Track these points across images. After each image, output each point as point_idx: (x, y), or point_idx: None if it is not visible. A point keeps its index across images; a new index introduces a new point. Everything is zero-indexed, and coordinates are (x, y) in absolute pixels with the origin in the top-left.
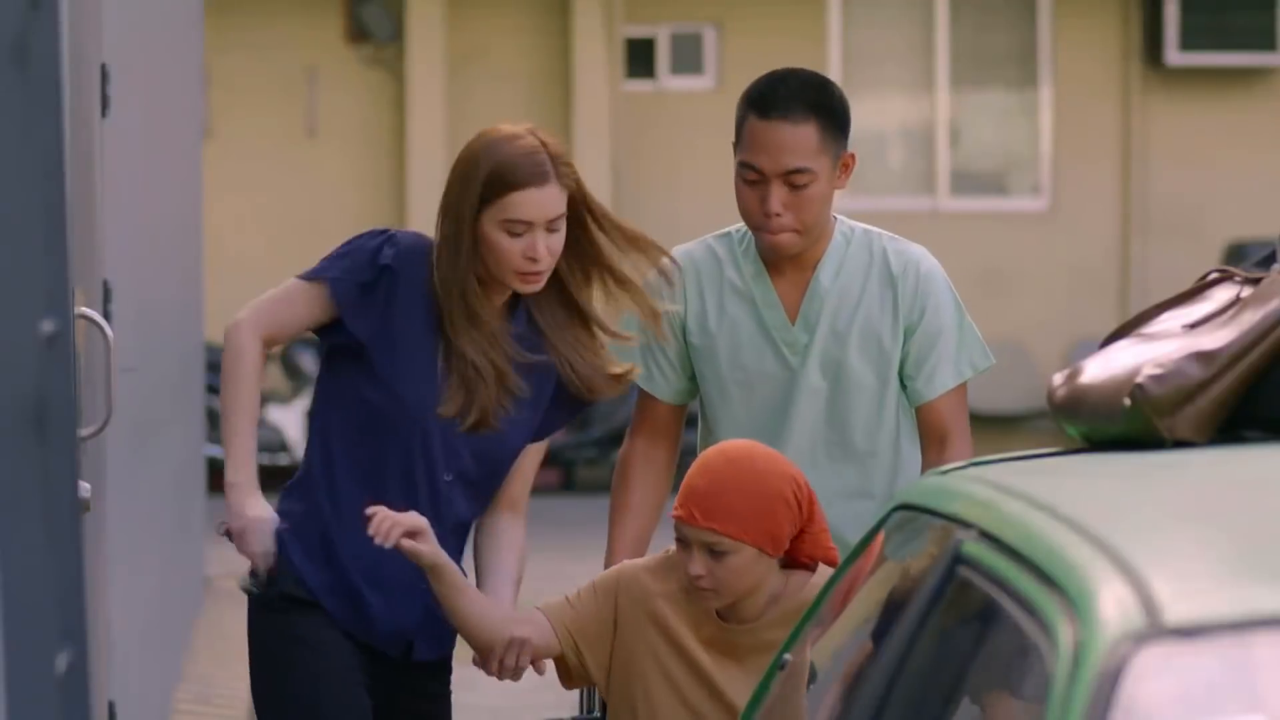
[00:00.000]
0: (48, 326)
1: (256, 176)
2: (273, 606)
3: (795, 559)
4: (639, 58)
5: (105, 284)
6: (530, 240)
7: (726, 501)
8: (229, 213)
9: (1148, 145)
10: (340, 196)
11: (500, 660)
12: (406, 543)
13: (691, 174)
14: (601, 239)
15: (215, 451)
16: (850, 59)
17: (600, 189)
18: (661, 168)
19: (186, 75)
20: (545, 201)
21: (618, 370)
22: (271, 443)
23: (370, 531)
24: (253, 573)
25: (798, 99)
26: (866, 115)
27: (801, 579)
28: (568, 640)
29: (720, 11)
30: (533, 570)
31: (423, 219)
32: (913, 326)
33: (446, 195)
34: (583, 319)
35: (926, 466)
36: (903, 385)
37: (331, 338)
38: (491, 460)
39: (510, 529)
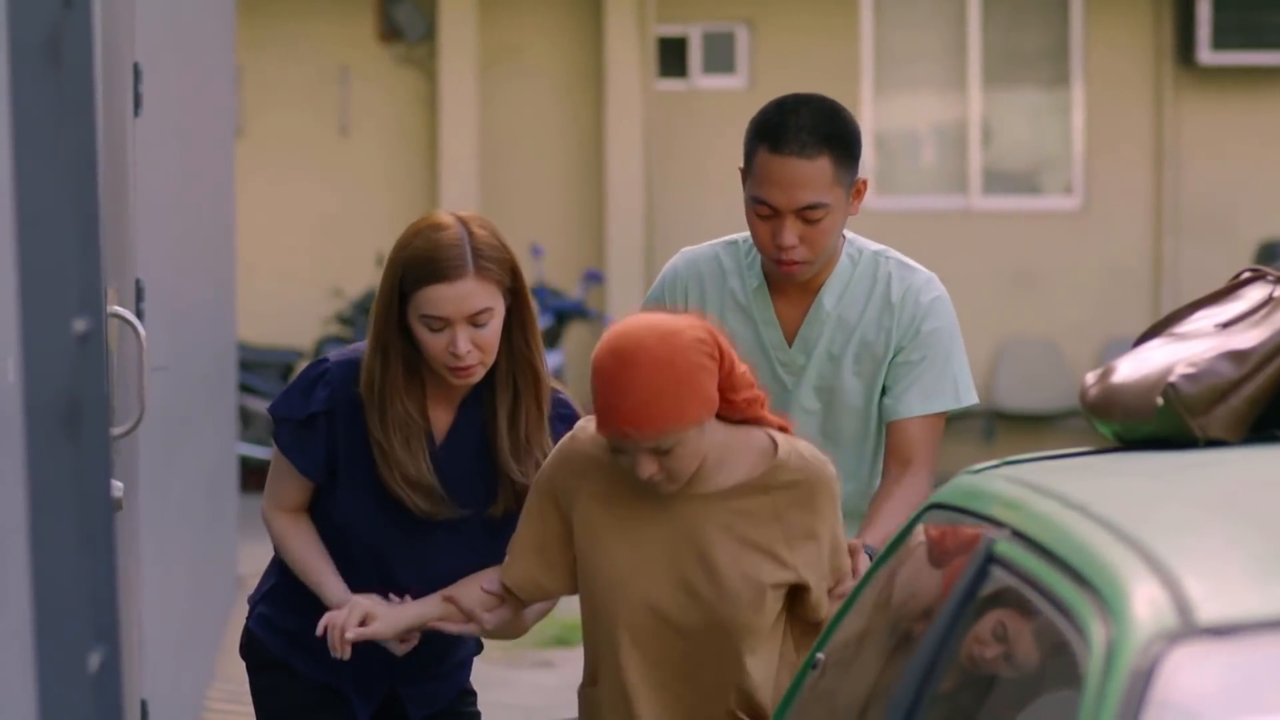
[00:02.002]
0: (81, 325)
1: (288, 175)
2: (255, 669)
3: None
4: (671, 57)
5: (138, 283)
6: (450, 335)
7: (652, 404)
8: (261, 211)
9: (1180, 144)
10: (372, 195)
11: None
12: (358, 633)
13: (723, 173)
14: (523, 347)
15: (247, 450)
16: (882, 58)
17: (633, 188)
18: (694, 167)
19: (219, 74)
20: (459, 297)
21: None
22: None
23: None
24: (242, 644)
25: (810, 133)
26: (898, 114)
27: (747, 441)
28: (538, 584)
29: (753, 11)
30: None
31: None
32: (900, 349)
33: (380, 284)
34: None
35: (884, 487)
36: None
37: None
38: (468, 545)
39: None
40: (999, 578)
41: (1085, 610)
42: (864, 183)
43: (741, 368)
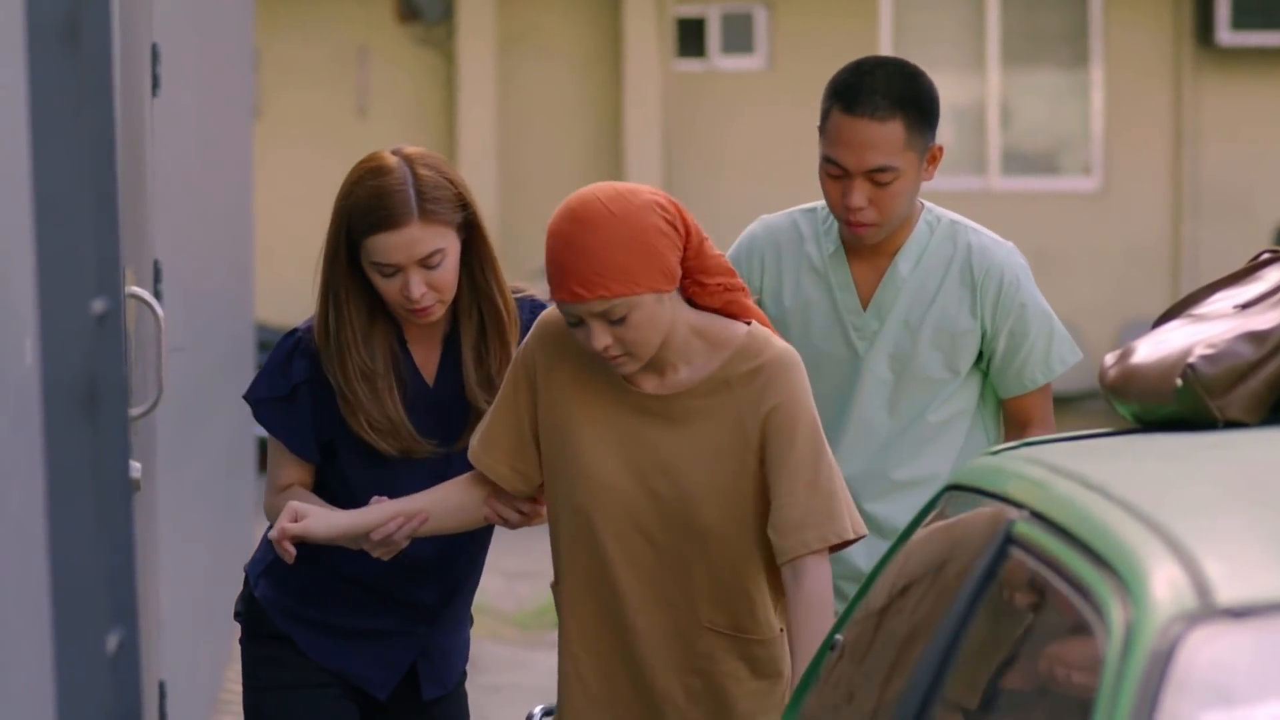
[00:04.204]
0: (99, 306)
1: (307, 156)
2: (255, 637)
3: (700, 303)
4: (690, 37)
5: (156, 264)
6: (403, 280)
7: (601, 262)
8: (279, 192)
9: (1199, 125)
10: None
11: (502, 518)
12: (291, 530)
13: (741, 152)
14: (482, 279)
15: (265, 431)
16: (901, 38)
17: (651, 169)
18: (712, 147)
19: (237, 55)
20: (405, 244)
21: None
22: None
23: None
24: (238, 612)
25: (884, 94)
26: None
27: (721, 332)
28: (518, 471)
29: None
30: None
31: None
32: (997, 331)
33: (327, 233)
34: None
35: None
36: (984, 374)
37: None
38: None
39: None
40: (1017, 558)
41: (1104, 591)
42: (940, 148)
43: (715, 252)
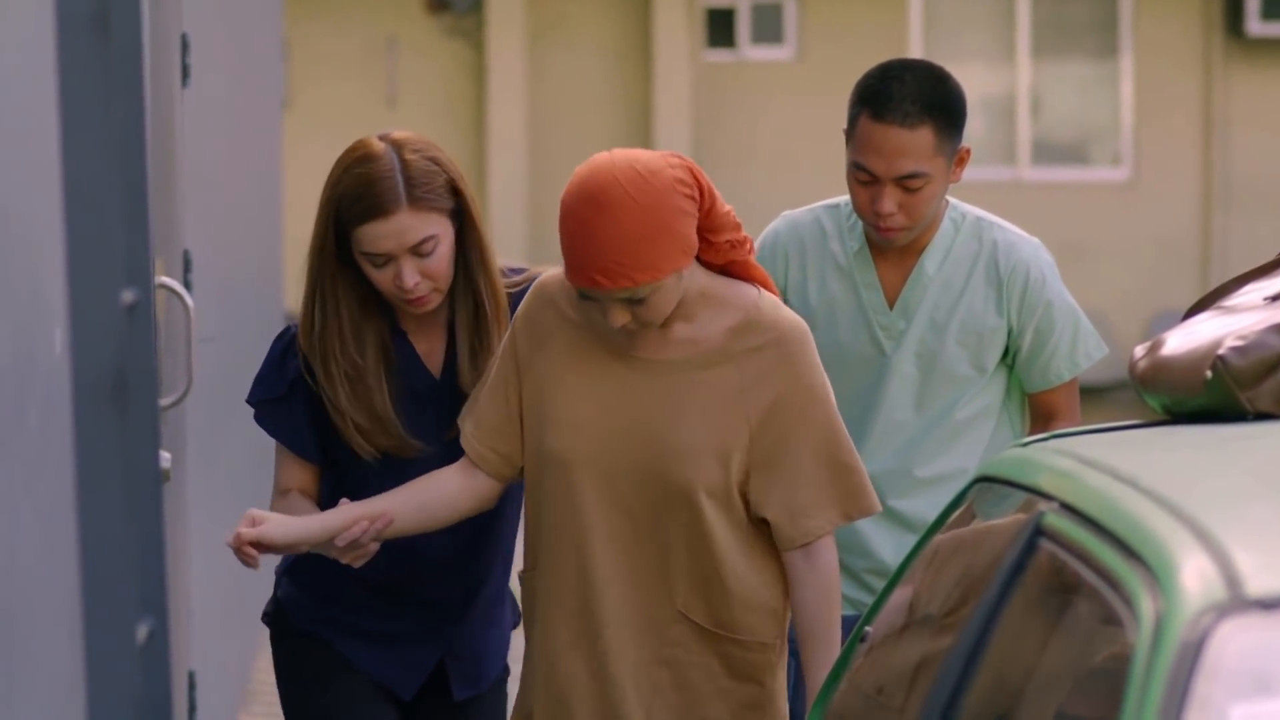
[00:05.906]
0: (128, 296)
1: (336, 146)
2: (283, 637)
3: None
4: (719, 27)
5: (185, 254)
6: (396, 269)
7: (625, 252)
8: (309, 183)
9: (1229, 115)
10: None
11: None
12: (249, 534)
13: (771, 144)
14: (471, 269)
15: None
16: (931, 29)
17: None
18: (741, 138)
19: (266, 45)
20: (395, 232)
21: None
22: None
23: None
24: (266, 613)
25: (913, 100)
26: None
27: (728, 294)
28: (501, 455)
29: None
30: None
31: (502, 189)
32: (1023, 328)
33: (314, 225)
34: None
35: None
36: (1010, 369)
37: None
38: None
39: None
40: (1047, 550)
41: (1134, 583)
42: (967, 150)
43: (724, 207)
